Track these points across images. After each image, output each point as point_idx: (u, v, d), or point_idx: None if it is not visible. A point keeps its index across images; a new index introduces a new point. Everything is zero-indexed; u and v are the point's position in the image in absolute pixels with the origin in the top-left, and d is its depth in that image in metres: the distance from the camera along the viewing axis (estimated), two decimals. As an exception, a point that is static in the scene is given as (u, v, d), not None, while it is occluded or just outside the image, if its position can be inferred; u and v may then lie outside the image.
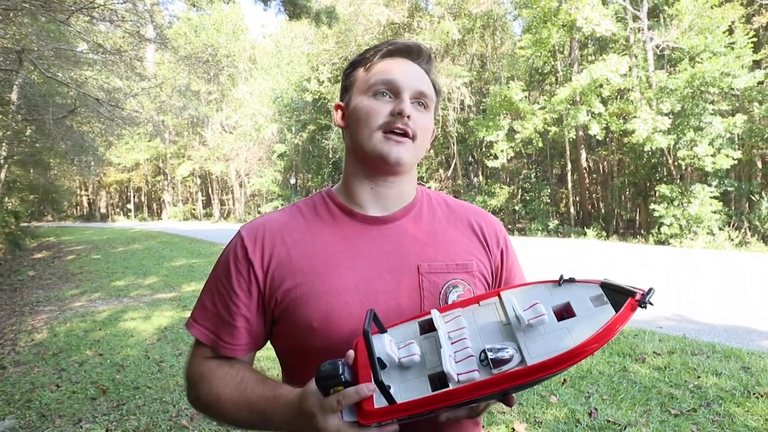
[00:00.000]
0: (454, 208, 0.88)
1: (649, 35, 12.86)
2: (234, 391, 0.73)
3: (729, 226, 11.48)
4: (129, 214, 39.70)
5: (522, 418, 2.64)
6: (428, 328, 0.65)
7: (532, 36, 14.81)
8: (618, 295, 0.57)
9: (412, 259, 0.77)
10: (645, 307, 0.54)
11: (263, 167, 28.13)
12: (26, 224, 16.11)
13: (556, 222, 16.03)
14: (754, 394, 2.78)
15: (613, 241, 13.19)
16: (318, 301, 0.72)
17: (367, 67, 0.80)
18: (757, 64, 12.08)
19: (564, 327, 0.57)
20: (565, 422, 2.58)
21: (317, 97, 21.62)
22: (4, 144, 10.54)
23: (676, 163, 12.39)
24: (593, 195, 19.20)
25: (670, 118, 11.63)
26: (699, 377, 3.05)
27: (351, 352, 0.63)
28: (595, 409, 2.67)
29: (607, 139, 16.33)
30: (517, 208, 17.31)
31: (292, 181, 26.61)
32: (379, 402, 0.57)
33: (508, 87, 14.86)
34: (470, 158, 20.70)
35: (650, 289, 0.56)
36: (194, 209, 36.19)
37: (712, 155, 11.03)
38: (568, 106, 13.64)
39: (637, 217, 16.35)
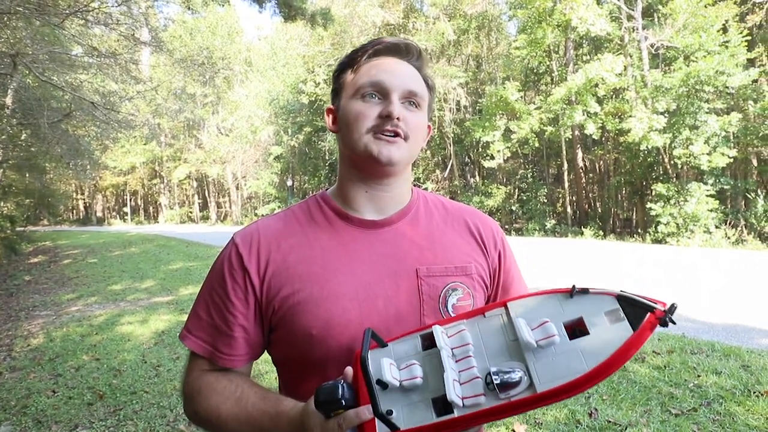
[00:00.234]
0: (451, 210, 0.86)
1: (644, 34, 12.92)
2: (234, 407, 0.70)
3: (725, 224, 11.52)
4: (125, 217, 39.56)
5: (522, 420, 2.63)
6: (431, 341, 0.61)
7: (527, 36, 14.85)
8: (636, 310, 0.52)
9: (410, 263, 0.75)
10: (666, 325, 0.49)
11: (260, 169, 28.09)
12: (22, 229, 16.04)
13: (553, 222, 16.06)
14: (754, 392, 2.77)
15: (610, 240, 13.23)
16: (317, 308, 0.71)
17: (355, 68, 0.78)
18: (751, 63, 12.16)
19: (576, 348, 0.53)
20: (565, 423, 2.57)
21: (313, 98, 21.62)
22: (-2, 148, 10.47)
23: (672, 162, 12.44)
24: (590, 194, 19.26)
25: (665, 116, 11.67)
26: (699, 376, 3.04)
27: (349, 370, 0.60)
28: (596, 410, 2.67)
29: (603, 139, 16.39)
30: (513, 208, 17.34)
31: (289, 183, 26.58)
32: (382, 428, 0.54)
33: (504, 87, 14.90)
34: (467, 159, 20.73)
35: (672, 305, 0.51)
36: (191, 212, 36.10)
37: (707, 153, 11.08)
38: (564, 106, 13.68)
39: (634, 216, 16.40)
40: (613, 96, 14.17)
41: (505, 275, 0.85)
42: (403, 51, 0.77)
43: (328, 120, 0.83)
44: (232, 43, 31.00)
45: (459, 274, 0.77)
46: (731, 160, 11.26)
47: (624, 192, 16.69)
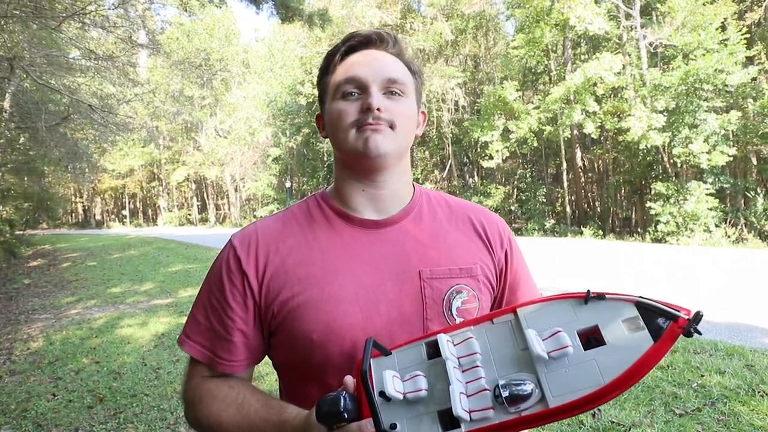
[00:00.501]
0: (455, 208, 0.84)
1: (642, 33, 12.93)
2: (236, 415, 0.68)
3: (725, 222, 11.51)
4: (124, 220, 39.51)
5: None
6: (437, 349, 0.58)
7: (525, 36, 14.85)
8: (657, 318, 0.48)
9: (414, 264, 0.73)
10: (690, 335, 0.46)
11: (258, 171, 28.06)
12: (21, 232, 16.00)
13: (553, 221, 16.06)
14: (758, 392, 2.76)
15: (610, 239, 13.22)
16: (317, 311, 0.69)
17: (332, 70, 0.76)
18: (750, 61, 12.16)
19: (591, 358, 0.49)
20: (568, 424, 2.55)
21: (311, 100, 21.61)
22: (-4, 152, 10.45)
23: (671, 161, 12.44)
24: (589, 194, 19.26)
25: (664, 115, 11.67)
26: (702, 376, 3.03)
27: (349, 380, 0.58)
28: (599, 410, 2.65)
29: (602, 138, 16.39)
30: (513, 208, 17.33)
31: (288, 184, 26.55)
32: None
33: (502, 87, 14.91)
34: (465, 159, 20.74)
35: (698, 313, 0.46)
36: (190, 214, 36.07)
37: (707, 152, 11.07)
38: (563, 105, 13.68)
39: (634, 216, 16.40)
40: (612, 95, 14.17)
41: (513, 275, 0.82)
42: (377, 41, 0.75)
43: (319, 127, 0.81)
44: (230, 45, 31.00)
45: (464, 275, 0.74)
46: (731, 158, 11.26)
47: (623, 191, 16.69)
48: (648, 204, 12.45)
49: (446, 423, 0.51)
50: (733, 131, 11.60)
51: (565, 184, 16.68)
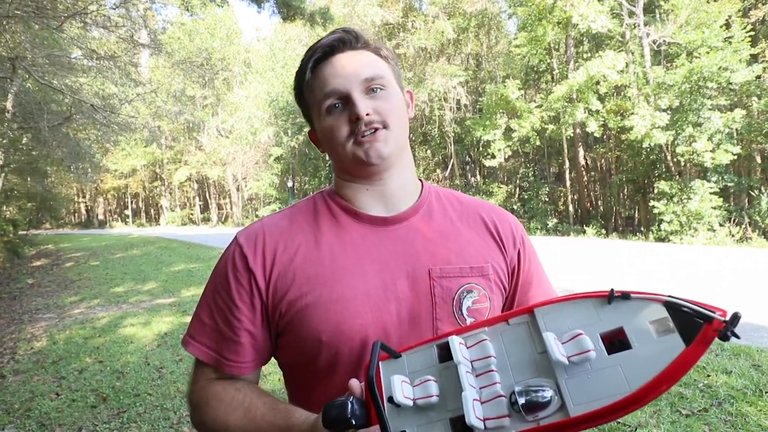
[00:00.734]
0: (467, 205, 0.82)
1: (646, 31, 12.87)
2: (243, 419, 0.67)
3: (729, 221, 11.46)
4: (127, 220, 39.60)
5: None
6: (449, 352, 0.55)
7: (528, 34, 14.80)
8: (688, 319, 0.45)
9: (423, 263, 0.71)
10: (726, 338, 0.42)
11: (260, 171, 28.08)
12: (24, 232, 16.04)
13: (555, 221, 16.02)
14: (766, 392, 2.73)
15: (613, 238, 13.18)
16: (326, 312, 0.67)
17: (308, 87, 0.75)
18: (754, 58, 12.08)
19: (616, 364, 0.45)
20: (574, 423, 2.53)
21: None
22: (0, 153, 10.48)
23: (675, 159, 12.38)
24: (592, 193, 19.21)
25: (668, 114, 11.61)
26: (708, 376, 3.00)
27: (355, 383, 0.56)
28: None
29: (605, 137, 16.34)
30: (515, 207, 17.29)
31: (290, 184, 26.56)
32: None
33: (504, 86, 14.86)
34: (467, 158, 20.70)
35: (735, 315, 0.42)
36: (192, 214, 36.12)
37: (711, 151, 11.01)
38: (565, 104, 13.63)
39: (637, 215, 16.34)
40: (615, 93, 14.12)
41: (525, 275, 0.80)
42: (340, 45, 0.73)
43: (315, 143, 0.81)
44: (231, 45, 31.01)
45: (475, 274, 0.73)
46: (735, 157, 11.19)
47: (626, 190, 16.63)
48: (651, 203, 12.39)
49: (459, 431, 0.48)
50: (737, 129, 11.54)
51: (568, 183, 16.63)
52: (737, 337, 0.43)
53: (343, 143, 0.71)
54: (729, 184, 11.71)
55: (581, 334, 0.47)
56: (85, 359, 4.24)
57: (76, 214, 44.83)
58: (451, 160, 19.61)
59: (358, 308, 0.68)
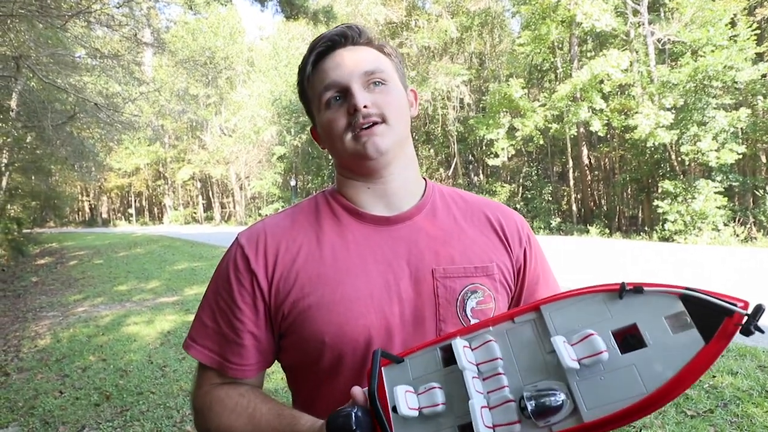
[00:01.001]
0: (471, 204, 0.81)
1: (650, 29, 12.79)
2: (248, 425, 0.66)
3: (734, 221, 11.40)
4: (130, 218, 39.75)
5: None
6: (453, 354, 0.52)
7: (531, 33, 14.75)
8: (707, 313, 0.42)
9: (427, 263, 0.70)
10: (749, 333, 0.40)
11: (263, 170, 28.12)
12: (29, 231, 16.15)
13: (558, 220, 15.99)
14: (771, 392, 2.72)
15: (617, 238, 13.13)
16: (329, 313, 0.66)
17: (309, 81, 0.74)
18: (760, 57, 12.00)
19: (631, 363, 0.43)
20: (578, 424, 2.52)
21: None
22: (5, 151, 10.54)
23: (679, 159, 12.32)
24: (595, 192, 19.14)
25: (672, 113, 11.56)
26: (714, 377, 2.98)
27: (358, 391, 0.54)
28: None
29: (609, 136, 16.26)
30: (518, 206, 17.26)
31: (293, 183, 26.59)
32: None
33: (508, 84, 14.81)
34: (470, 157, 20.66)
35: (759, 307, 0.39)
36: (195, 213, 36.22)
37: (716, 150, 10.95)
38: (569, 103, 13.58)
39: (640, 214, 16.28)
40: (619, 92, 14.06)
41: (531, 274, 0.78)
42: (343, 40, 0.72)
43: (316, 141, 0.80)
44: (234, 44, 31.03)
45: (479, 274, 0.71)
46: (740, 156, 11.14)
47: (630, 189, 16.57)
48: (655, 202, 12.34)
49: None
50: (742, 129, 11.48)
51: (571, 182, 16.58)
52: (761, 331, 0.40)
53: (341, 136, 0.70)
54: (734, 184, 11.65)
55: (592, 334, 0.45)
56: (88, 357, 4.25)
57: (80, 213, 45.02)
58: (454, 159, 19.58)
59: (361, 309, 0.67)
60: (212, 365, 0.71)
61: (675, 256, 8.35)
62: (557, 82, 15.64)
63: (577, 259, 8.60)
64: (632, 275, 6.68)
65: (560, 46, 16.20)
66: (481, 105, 18.36)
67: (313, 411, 0.63)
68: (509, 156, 17.29)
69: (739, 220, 11.51)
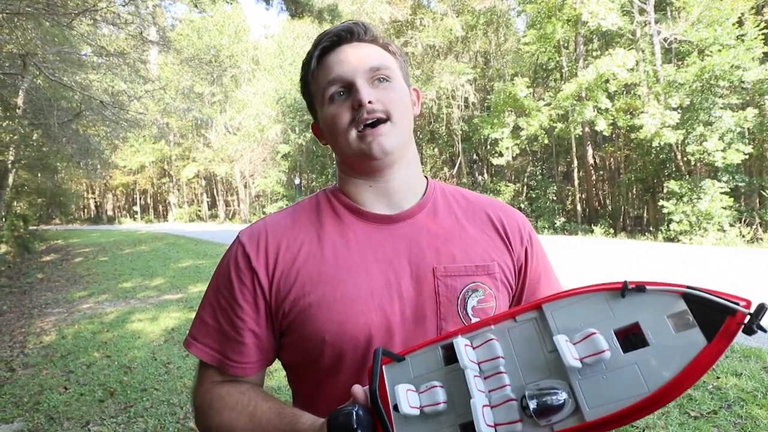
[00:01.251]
0: (473, 202, 0.81)
1: (657, 28, 12.71)
2: (248, 423, 0.66)
3: (740, 222, 11.32)
4: (135, 216, 39.93)
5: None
6: (454, 353, 0.52)
7: (537, 32, 14.69)
8: (709, 312, 0.42)
9: (428, 262, 0.70)
10: (753, 332, 0.40)
11: (267, 168, 28.17)
12: (35, 227, 16.24)
13: (563, 220, 15.92)
14: (776, 394, 2.70)
15: (621, 238, 13.07)
16: (329, 311, 0.66)
17: (313, 76, 0.74)
18: (767, 56, 11.90)
19: (633, 362, 0.43)
20: (581, 424, 2.51)
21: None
22: (11, 148, 10.60)
23: (685, 159, 12.24)
24: (600, 192, 19.05)
25: (678, 112, 11.48)
26: (718, 378, 2.97)
27: (359, 390, 0.54)
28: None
29: (614, 135, 16.18)
30: (522, 206, 17.21)
31: (297, 181, 26.63)
32: None
33: (513, 84, 14.76)
34: (475, 156, 20.61)
35: (762, 306, 0.39)
36: (199, 211, 36.34)
37: (722, 150, 10.87)
38: (574, 102, 13.52)
39: (645, 214, 16.19)
40: (625, 92, 13.98)
41: (533, 273, 0.78)
42: (348, 35, 0.72)
43: (317, 136, 0.80)
44: (240, 42, 31.09)
45: (480, 273, 0.71)
46: (746, 156, 11.05)
47: (635, 189, 16.48)
48: (660, 202, 12.27)
49: None
50: (749, 129, 11.38)
51: (576, 182, 16.51)
52: (764, 330, 0.40)
53: (344, 132, 0.70)
54: (740, 184, 11.56)
55: (594, 333, 0.44)
56: (93, 354, 4.28)
57: (86, 210, 45.29)
58: (459, 159, 19.54)
59: (362, 307, 0.67)
60: (213, 363, 0.71)
61: (680, 257, 8.30)
62: (562, 82, 15.57)
63: (581, 259, 8.57)
64: (637, 275, 6.64)
65: (566, 45, 16.12)
66: (485, 104, 18.29)
67: (314, 409, 0.63)
68: (514, 155, 17.22)
69: (745, 221, 11.43)
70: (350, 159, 0.73)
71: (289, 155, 26.24)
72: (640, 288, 0.46)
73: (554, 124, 14.61)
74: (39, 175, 14.39)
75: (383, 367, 0.55)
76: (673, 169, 13.00)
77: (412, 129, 0.76)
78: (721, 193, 11.05)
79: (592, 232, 14.02)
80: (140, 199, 40.82)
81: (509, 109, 15.38)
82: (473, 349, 0.51)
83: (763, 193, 11.71)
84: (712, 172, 12.02)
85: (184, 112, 29.30)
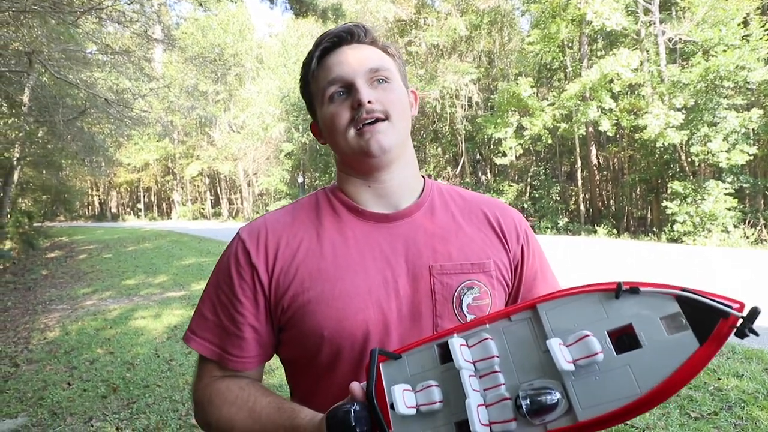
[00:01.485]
0: (470, 201, 0.82)
1: (661, 28, 12.65)
2: (248, 419, 0.66)
3: (744, 223, 11.26)
4: (139, 213, 40.09)
5: (536, 420, 2.59)
6: (450, 352, 0.53)
7: (541, 31, 14.65)
8: (702, 314, 0.42)
9: (425, 260, 0.71)
10: (744, 335, 0.40)
11: (271, 166, 28.22)
12: (39, 224, 16.33)
13: (566, 220, 15.88)
14: (777, 395, 2.69)
15: (624, 239, 13.03)
16: (328, 308, 0.67)
17: (313, 76, 0.75)
18: (772, 57, 11.82)
19: (625, 364, 0.43)
20: (581, 424, 2.51)
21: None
22: (17, 145, 10.67)
23: (689, 159, 12.19)
24: (603, 192, 18.99)
25: (683, 113, 11.43)
26: (719, 379, 2.96)
27: (357, 387, 0.55)
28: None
29: (618, 136, 16.11)
30: (526, 206, 17.18)
31: (300, 180, 26.66)
32: None
33: (517, 83, 14.73)
34: (478, 156, 20.58)
35: (754, 310, 0.39)
36: (203, 209, 36.44)
37: (726, 151, 10.82)
38: (578, 102, 13.48)
39: (649, 215, 16.13)
40: (629, 92, 13.92)
41: (529, 271, 0.79)
42: (348, 37, 0.73)
43: (316, 136, 0.81)
44: (244, 41, 31.12)
45: (476, 271, 0.72)
46: (751, 157, 10.99)
47: (639, 190, 16.42)
48: (664, 203, 12.22)
49: None
50: (753, 129, 11.32)
51: (579, 182, 16.46)
52: (756, 334, 0.40)
53: (343, 131, 0.71)
54: (744, 185, 11.50)
55: (588, 335, 0.45)
56: (96, 350, 4.31)
57: (90, 207, 45.50)
58: (462, 158, 19.52)
59: (359, 304, 0.68)
60: (212, 357, 0.72)
61: (683, 258, 8.28)
62: (566, 81, 15.52)
63: (584, 260, 8.55)
64: (639, 276, 6.63)
65: (570, 45, 16.07)
66: (489, 104, 18.27)
67: (312, 405, 0.64)
68: (517, 155, 17.20)
69: (749, 222, 11.37)
70: (349, 157, 0.74)
71: (293, 154, 26.27)
72: (634, 289, 0.46)
73: (558, 124, 14.57)
74: (44, 172, 14.48)
75: (380, 365, 0.56)
76: (677, 169, 12.95)
77: (409, 129, 0.77)
78: (725, 194, 11.00)
79: (595, 232, 13.99)
80: (144, 196, 40.97)
81: (513, 108, 15.35)
82: (468, 347, 0.52)
83: (768, 195, 11.66)
84: (716, 173, 11.96)
85: (188, 110, 29.31)
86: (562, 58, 16.52)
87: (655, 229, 13.38)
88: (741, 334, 0.40)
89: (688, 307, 0.43)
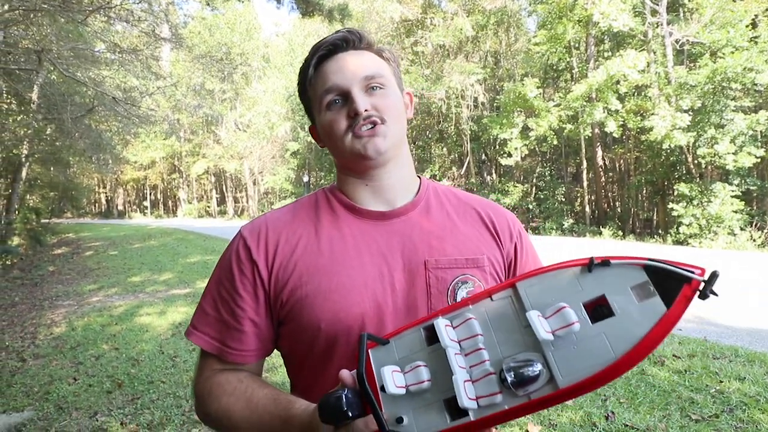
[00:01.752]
0: (464, 201, 0.84)
1: (669, 30, 12.58)
2: (245, 410, 0.69)
3: (751, 226, 11.18)
4: (145, 211, 40.33)
5: (536, 420, 2.60)
6: (436, 333, 0.55)
7: (547, 32, 14.61)
8: (668, 281, 0.45)
9: (420, 255, 0.74)
10: (705, 296, 0.43)
11: (276, 165, 28.31)
12: (47, 221, 16.49)
13: (571, 221, 15.83)
14: (779, 399, 2.68)
15: (630, 240, 12.97)
16: (324, 301, 0.69)
17: (310, 83, 0.77)
18: (781, 59, 11.71)
19: (600, 332, 0.46)
20: (581, 426, 2.52)
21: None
22: (25, 142, 10.78)
23: (695, 161, 12.11)
24: (609, 194, 18.90)
25: (689, 115, 11.36)
26: (721, 382, 2.95)
27: (347, 374, 0.56)
28: (612, 413, 2.61)
29: (624, 137, 16.04)
30: (531, 206, 17.13)
31: (305, 179, 26.71)
32: None
33: (523, 84, 14.69)
34: (484, 156, 20.53)
35: (714, 273, 0.43)
36: (209, 207, 36.61)
37: (733, 153, 10.75)
38: (584, 103, 13.42)
39: (655, 217, 16.04)
40: (636, 93, 13.85)
41: (522, 268, 0.81)
42: (344, 44, 0.75)
43: (315, 139, 0.83)
44: (251, 40, 31.22)
45: (470, 266, 0.74)
46: (758, 159, 10.91)
47: (645, 192, 16.33)
48: (670, 205, 12.16)
49: (453, 411, 0.49)
50: (761, 132, 11.24)
51: (585, 184, 16.40)
52: (716, 294, 0.43)
53: (341, 137, 0.74)
54: (751, 188, 11.42)
55: (565, 307, 0.48)
56: (102, 346, 4.36)
57: (97, 204, 45.83)
58: (467, 159, 19.49)
59: (356, 298, 0.70)
60: (212, 351, 0.74)
61: (689, 260, 8.22)
62: (572, 82, 15.47)
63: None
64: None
65: (576, 45, 16.00)
66: (495, 104, 18.22)
67: (311, 399, 0.66)
68: (523, 156, 17.14)
69: (756, 225, 11.28)
70: (347, 160, 0.77)
71: (298, 153, 26.34)
72: (605, 262, 0.49)
73: (564, 125, 14.53)
74: (52, 169, 14.60)
75: (369, 351, 0.57)
76: (684, 171, 12.87)
77: (405, 131, 0.79)
78: (732, 196, 10.93)
79: (600, 233, 13.93)
80: (150, 194, 41.21)
81: (519, 109, 15.31)
82: (453, 328, 0.54)
83: (775, 198, 11.56)
84: (723, 175, 11.88)
85: (195, 109, 29.51)
86: (568, 59, 16.46)
87: (660, 231, 13.30)
88: (703, 296, 0.43)
89: (655, 275, 0.46)
